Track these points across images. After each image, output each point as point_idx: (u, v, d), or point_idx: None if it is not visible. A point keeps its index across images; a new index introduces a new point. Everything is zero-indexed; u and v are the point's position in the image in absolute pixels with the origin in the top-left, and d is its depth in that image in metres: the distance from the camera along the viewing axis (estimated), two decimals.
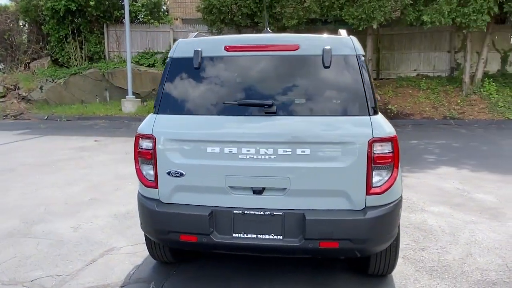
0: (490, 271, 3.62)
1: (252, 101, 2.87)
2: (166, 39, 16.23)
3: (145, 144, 3.02)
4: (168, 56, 3.14)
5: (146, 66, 15.81)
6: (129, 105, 14.46)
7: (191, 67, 3.01)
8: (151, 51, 16.21)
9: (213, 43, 3.10)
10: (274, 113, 2.84)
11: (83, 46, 16.10)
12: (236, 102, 2.88)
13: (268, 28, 3.28)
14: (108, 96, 15.62)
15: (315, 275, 3.55)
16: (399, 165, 2.89)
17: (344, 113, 2.86)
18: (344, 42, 2.96)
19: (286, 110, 2.87)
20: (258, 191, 2.85)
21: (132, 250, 4.09)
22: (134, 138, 3.10)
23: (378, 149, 2.76)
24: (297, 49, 2.92)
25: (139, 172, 3.10)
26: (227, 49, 2.99)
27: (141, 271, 3.69)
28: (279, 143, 2.80)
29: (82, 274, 3.62)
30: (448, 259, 3.85)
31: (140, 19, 16.90)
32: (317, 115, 2.87)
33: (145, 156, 3.02)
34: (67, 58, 16.07)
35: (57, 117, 14.21)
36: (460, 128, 12.11)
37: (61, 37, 15.96)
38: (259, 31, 14.78)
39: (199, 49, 3.00)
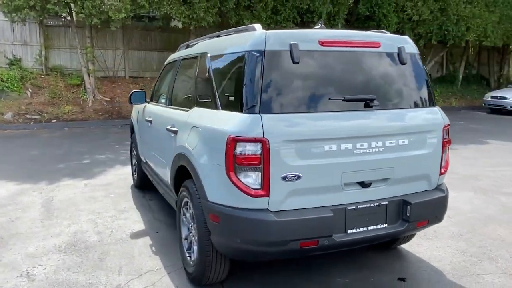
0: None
1: (359, 96, 2.90)
2: None
3: (250, 148, 2.62)
4: (255, 48, 2.75)
5: None
6: None
7: (289, 62, 2.77)
8: None
9: (305, 37, 2.90)
10: (373, 108, 2.95)
11: None
12: (342, 98, 2.84)
13: (322, 24, 3.26)
14: None
15: (311, 276, 3.50)
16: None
17: (423, 105, 3.24)
18: (408, 41, 3.30)
19: (381, 104, 3.01)
20: (367, 184, 2.91)
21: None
22: None
23: (445, 134, 3.26)
24: (379, 46, 3.09)
25: (236, 181, 2.66)
26: (322, 43, 2.88)
27: None
28: (387, 135, 2.95)
29: None
30: None
31: None
32: (405, 107, 3.15)
33: (250, 163, 2.62)
34: None
35: None
36: None
37: None
38: (78, 21, 13.13)
39: (296, 43, 2.78)
